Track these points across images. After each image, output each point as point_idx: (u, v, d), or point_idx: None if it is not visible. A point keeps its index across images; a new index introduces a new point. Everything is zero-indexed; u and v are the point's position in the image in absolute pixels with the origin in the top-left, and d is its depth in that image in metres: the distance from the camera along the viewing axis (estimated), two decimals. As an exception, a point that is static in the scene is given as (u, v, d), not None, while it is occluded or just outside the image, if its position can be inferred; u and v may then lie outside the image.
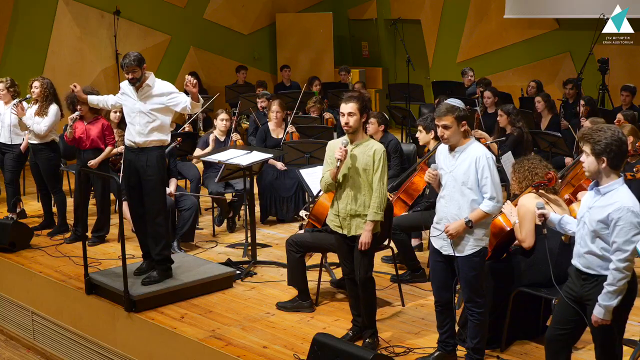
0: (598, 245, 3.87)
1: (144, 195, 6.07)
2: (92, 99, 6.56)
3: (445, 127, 4.54)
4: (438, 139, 5.71)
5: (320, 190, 6.38)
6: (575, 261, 4.01)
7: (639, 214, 3.76)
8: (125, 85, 6.10)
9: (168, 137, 6.13)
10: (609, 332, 3.97)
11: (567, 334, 4.10)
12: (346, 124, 4.91)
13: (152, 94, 5.96)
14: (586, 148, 3.86)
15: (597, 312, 3.85)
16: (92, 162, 7.27)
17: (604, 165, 3.82)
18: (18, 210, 8.34)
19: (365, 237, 4.93)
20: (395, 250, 6.24)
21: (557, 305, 4.23)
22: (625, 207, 3.75)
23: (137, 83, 5.91)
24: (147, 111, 5.94)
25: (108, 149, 7.39)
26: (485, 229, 4.64)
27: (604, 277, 3.86)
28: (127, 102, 6.05)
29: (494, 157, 4.70)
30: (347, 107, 4.91)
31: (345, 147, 4.91)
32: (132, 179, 6.08)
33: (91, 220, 7.71)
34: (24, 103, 7.72)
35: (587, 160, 3.87)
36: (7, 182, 8.17)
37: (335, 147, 5.01)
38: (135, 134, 5.98)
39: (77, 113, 7.19)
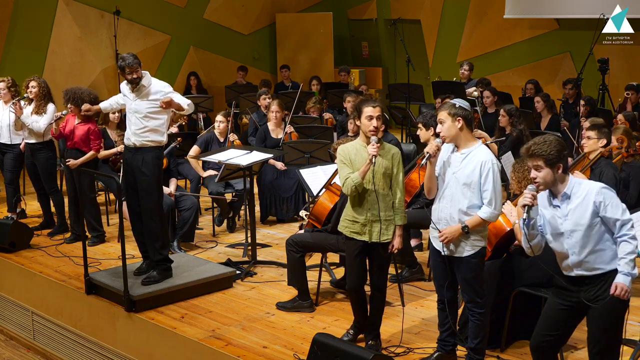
0: (597, 240, 3.91)
1: (139, 195, 6.07)
2: (104, 105, 6.43)
3: (439, 121, 4.59)
4: (438, 135, 5.71)
5: (320, 190, 6.39)
6: (574, 272, 4.00)
7: (609, 187, 3.97)
8: (123, 85, 6.10)
9: (164, 138, 6.12)
10: (615, 330, 4.01)
11: (554, 339, 4.12)
12: (375, 127, 4.86)
13: (147, 94, 5.96)
14: (538, 162, 3.93)
15: (625, 280, 3.87)
16: (70, 163, 7.25)
17: (559, 172, 3.93)
18: (18, 210, 8.34)
19: (398, 243, 4.98)
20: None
21: (543, 313, 4.22)
22: (599, 187, 3.92)
23: (140, 82, 5.91)
24: (142, 112, 5.95)
25: (90, 153, 7.31)
26: (482, 231, 4.63)
27: (610, 272, 3.91)
28: (126, 103, 6.08)
29: (499, 164, 4.69)
30: (377, 111, 4.87)
31: (377, 143, 4.85)
32: (129, 178, 6.09)
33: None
34: (21, 103, 7.74)
35: (542, 173, 3.94)
36: (7, 182, 8.18)
37: (348, 151, 4.96)
38: (131, 134, 6.00)
39: (64, 112, 7.21)
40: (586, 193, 3.90)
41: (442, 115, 4.56)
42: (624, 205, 3.92)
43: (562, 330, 4.10)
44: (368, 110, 4.88)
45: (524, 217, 3.99)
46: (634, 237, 3.85)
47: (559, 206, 3.98)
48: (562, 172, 3.94)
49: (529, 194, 3.98)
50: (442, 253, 4.66)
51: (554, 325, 4.09)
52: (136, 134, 5.97)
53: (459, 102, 4.62)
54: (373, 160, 4.80)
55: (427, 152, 4.61)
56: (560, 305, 4.06)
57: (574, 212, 3.93)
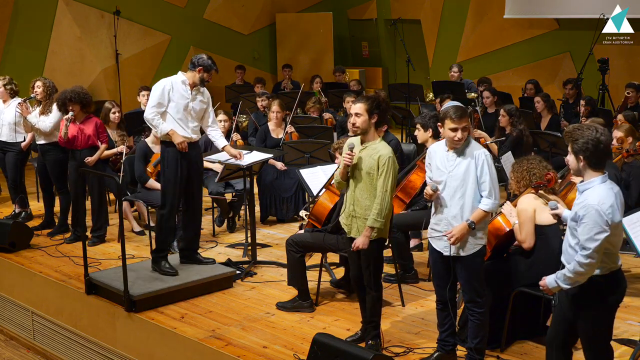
0: (573, 241, 3.92)
1: (197, 188, 6.46)
2: (167, 125, 6.32)
3: (464, 129, 4.54)
4: (436, 137, 5.71)
5: (320, 190, 6.40)
6: (562, 257, 4.06)
7: (604, 213, 3.78)
8: (176, 82, 6.21)
9: None
10: (598, 332, 3.99)
11: (566, 331, 4.11)
12: (353, 124, 4.91)
13: (201, 96, 6.36)
14: (569, 146, 3.95)
15: (549, 281, 3.97)
16: (90, 159, 7.28)
17: (582, 164, 3.90)
18: (22, 211, 8.35)
19: (360, 242, 4.88)
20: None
21: (556, 307, 4.24)
22: (590, 205, 3.80)
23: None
24: (197, 110, 6.32)
25: (103, 146, 7.43)
26: (484, 228, 4.66)
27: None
28: (180, 100, 6.22)
29: (491, 156, 4.72)
30: (355, 108, 4.91)
31: (352, 151, 4.87)
32: (185, 175, 6.33)
33: (89, 221, 7.69)
34: (27, 103, 7.74)
35: (570, 158, 3.96)
36: (10, 181, 8.18)
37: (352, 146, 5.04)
38: (191, 131, 6.29)
39: (70, 114, 7.22)
40: (584, 199, 3.86)
41: (467, 121, 4.54)
42: (598, 235, 3.77)
43: (569, 325, 4.08)
44: (351, 108, 5.02)
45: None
46: (582, 265, 3.80)
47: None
48: (588, 167, 3.88)
49: (554, 214, 4.26)
50: (446, 254, 4.63)
51: (562, 318, 4.09)
52: (195, 131, 6.35)
53: (455, 104, 4.64)
54: (341, 168, 4.97)
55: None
56: (564, 292, 4.07)
57: (574, 207, 3.95)
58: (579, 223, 3.83)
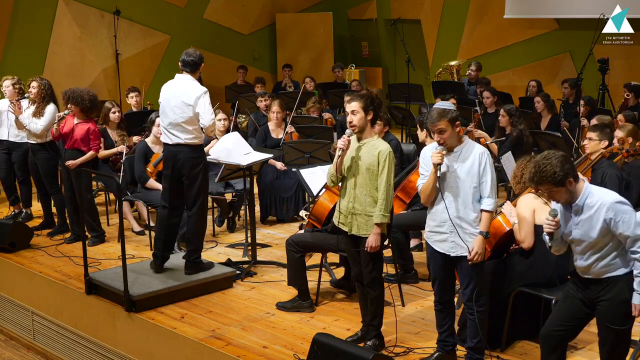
0: (607, 251, 3.89)
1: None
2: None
3: (441, 131, 4.53)
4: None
5: (320, 190, 6.39)
6: (582, 275, 4.03)
7: (624, 201, 3.86)
8: None
9: None
10: (625, 332, 3.99)
11: (566, 330, 4.12)
12: (350, 122, 4.94)
13: None
14: (549, 187, 3.91)
15: (639, 300, 3.85)
16: (69, 163, 7.20)
17: (572, 185, 3.90)
18: (19, 211, 8.34)
19: (372, 241, 4.90)
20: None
21: (559, 302, 4.24)
22: (610, 201, 3.83)
23: None
24: None
25: (90, 153, 7.21)
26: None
27: (618, 277, 3.90)
28: None
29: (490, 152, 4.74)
30: (351, 106, 4.95)
31: (348, 137, 4.94)
32: None
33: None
34: (26, 101, 7.72)
35: (558, 195, 3.93)
36: (19, 179, 8.18)
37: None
38: None
39: (65, 112, 7.19)
40: (598, 206, 3.85)
41: (443, 124, 4.51)
42: (638, 218, 3.82)
43: (572, 324, 4.09)
44: (346, 107, 5.06)
45: (548, 244, 4.06)
46: None
47: (572, 215, 3.98)
48: (575, 182, 3.91)
49: (552, 221, 3.99)
50: (453, 254, 4.62)
51: (566, 317, 4.10)
52: None
53: (446, 105, 4.63)
54: (339, 153, 4.95)
55: (437, 163, 4.50)
56: (573, 298, 4.08)
57: (584, 223, 3.92)
58: (615, 223, 3.81)
